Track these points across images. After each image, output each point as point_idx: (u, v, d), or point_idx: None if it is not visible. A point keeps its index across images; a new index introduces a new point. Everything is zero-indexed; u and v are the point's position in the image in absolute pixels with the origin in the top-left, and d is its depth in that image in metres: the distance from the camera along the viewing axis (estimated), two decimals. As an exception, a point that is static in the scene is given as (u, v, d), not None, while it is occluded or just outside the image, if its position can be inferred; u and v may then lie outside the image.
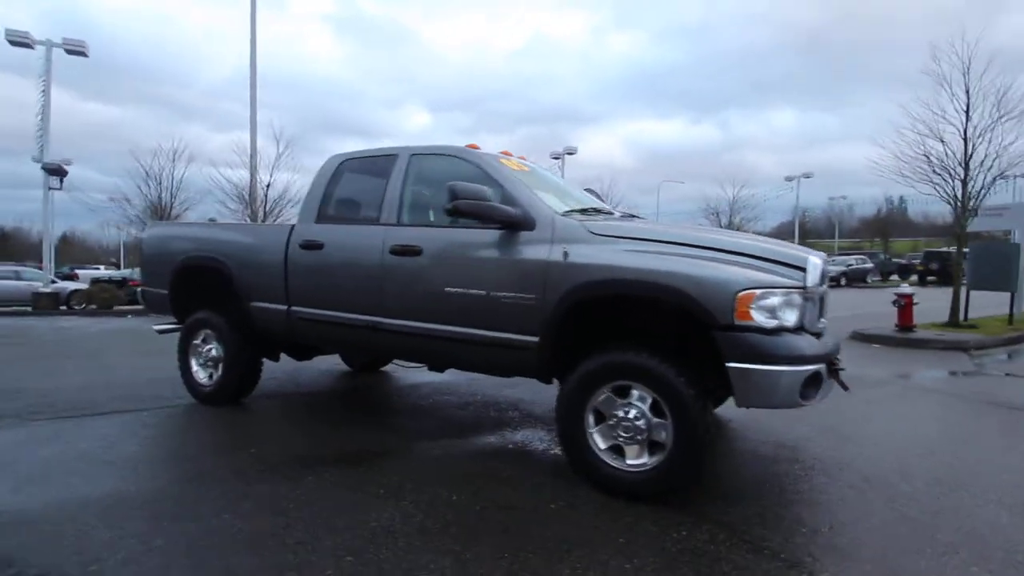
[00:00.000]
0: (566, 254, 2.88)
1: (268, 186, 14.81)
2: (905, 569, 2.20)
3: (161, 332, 4.92)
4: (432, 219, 3.59)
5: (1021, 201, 10.30)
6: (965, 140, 8.84)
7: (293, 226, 3.97)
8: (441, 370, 3.96)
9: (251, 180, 15.98)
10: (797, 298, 2.60)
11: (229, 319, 4.26)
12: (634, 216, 3.91)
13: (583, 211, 3.27)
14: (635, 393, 2.71)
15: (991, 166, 8.82)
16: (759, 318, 2.51)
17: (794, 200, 36.04)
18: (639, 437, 2.70)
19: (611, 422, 2.76)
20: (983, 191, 8.97)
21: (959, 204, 9.07)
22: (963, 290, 9.53)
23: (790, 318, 2.57)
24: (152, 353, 7.25)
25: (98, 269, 31.25)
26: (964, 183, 8.93)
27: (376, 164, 3.83)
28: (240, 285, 4.12)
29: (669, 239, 2.84)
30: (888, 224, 56.88)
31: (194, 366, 4.47)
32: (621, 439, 2.74)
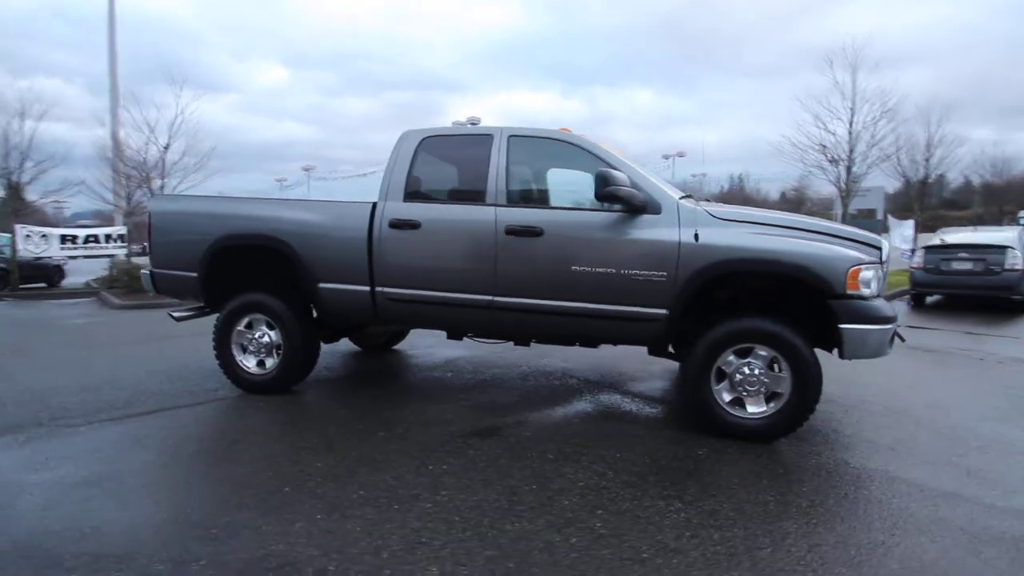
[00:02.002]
0: (697, 236, 3.27)
1: (167, 147, 12.81)
2: (969, 464, 3.00)
3: (180, 319, 4.45)
4: (538, 200, 3.74)
5: (877, 186, 12.55)
6: (850, 133, 10.70)
7: (374, 204, 3.84)
8: (527, 344, 4.13)
9: (114, 141, 13.76)
10: (880, 271, 3.27)
11: (288, 303, 4.03)
12: (710, 201, 4.38)
13: (686, 197, 3.65)
14: (756, 353, 3.22)
15: (868, 156, 10.81)
16: (862, 288, 3.13)
17: (669, 177, 39.69)
18: (761, 390, 3.23)
19: (736, 379, 3.25)
20: (862, 177, 10.96)
21: (844, 186, 10.99)
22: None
23: (876, 287, 3.24)
24: (105, 344, 6.37)
25: None
26: (848, 169, 10.83)
27: (467, 143, 3.85)
28: (307, 266, 3.91)
29: (778, 223, 3.35)
30: (737, 199, 64.86)
31: (238, 354, 4.16)
32: (745, 393, 3.25)
